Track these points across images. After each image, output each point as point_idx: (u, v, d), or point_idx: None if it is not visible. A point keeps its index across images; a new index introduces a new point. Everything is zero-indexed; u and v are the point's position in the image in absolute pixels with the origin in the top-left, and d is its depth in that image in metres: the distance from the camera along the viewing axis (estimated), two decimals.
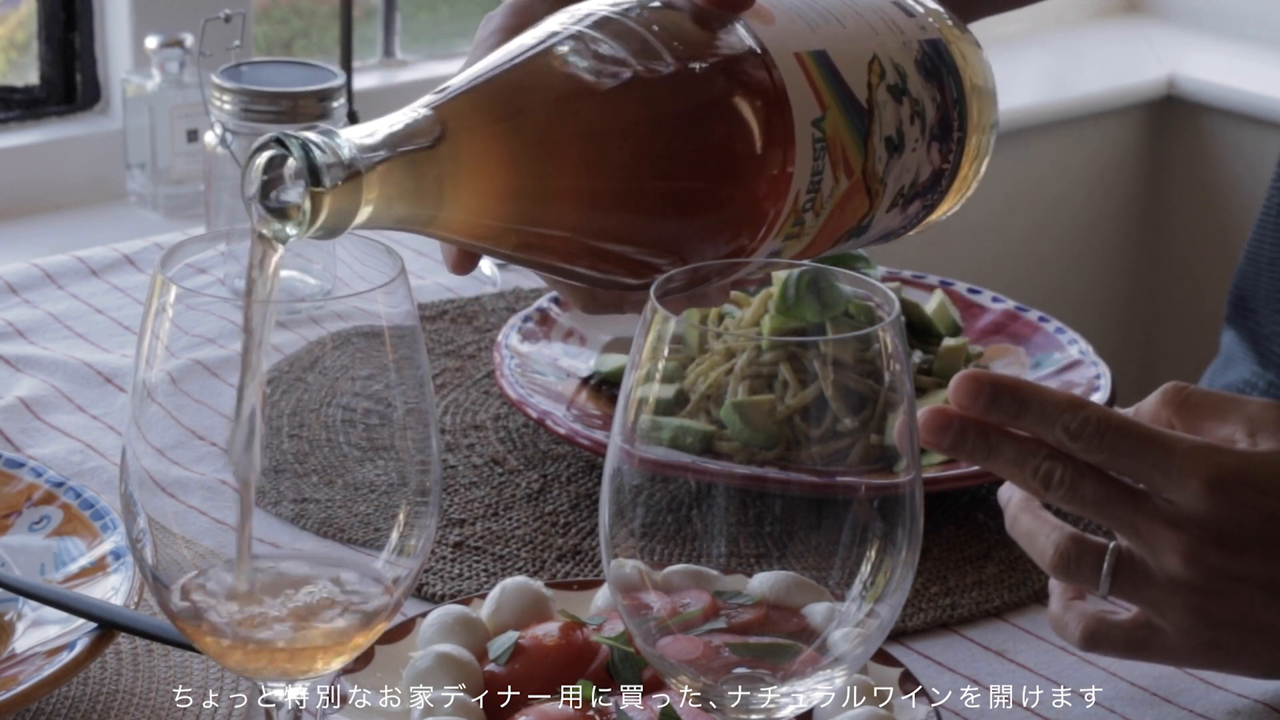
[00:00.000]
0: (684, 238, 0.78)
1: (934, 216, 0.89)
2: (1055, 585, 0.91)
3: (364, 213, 0.71)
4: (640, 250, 0.78)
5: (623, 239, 0.78)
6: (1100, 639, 0.89)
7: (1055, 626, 0.90)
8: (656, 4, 0.79)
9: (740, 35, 0.79)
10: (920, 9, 0.88)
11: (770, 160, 0.78)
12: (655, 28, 0.78)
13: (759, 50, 0.79)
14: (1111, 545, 0.87)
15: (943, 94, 0.86)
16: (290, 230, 0.70)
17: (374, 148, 0.71)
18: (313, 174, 0.69)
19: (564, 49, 0.77)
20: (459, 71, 0.78)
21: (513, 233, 0.77)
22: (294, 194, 0.70)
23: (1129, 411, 0.90)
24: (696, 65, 0.77)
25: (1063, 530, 0.87)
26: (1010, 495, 0.90)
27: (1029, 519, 0.89)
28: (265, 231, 0.70)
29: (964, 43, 0.88)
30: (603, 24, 0.78)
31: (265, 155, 0.70)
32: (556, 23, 0.78)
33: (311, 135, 0.70)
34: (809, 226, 0.80)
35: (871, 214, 0.83)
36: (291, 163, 0.70)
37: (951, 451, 0.84)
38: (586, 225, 0.77)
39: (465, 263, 0.83)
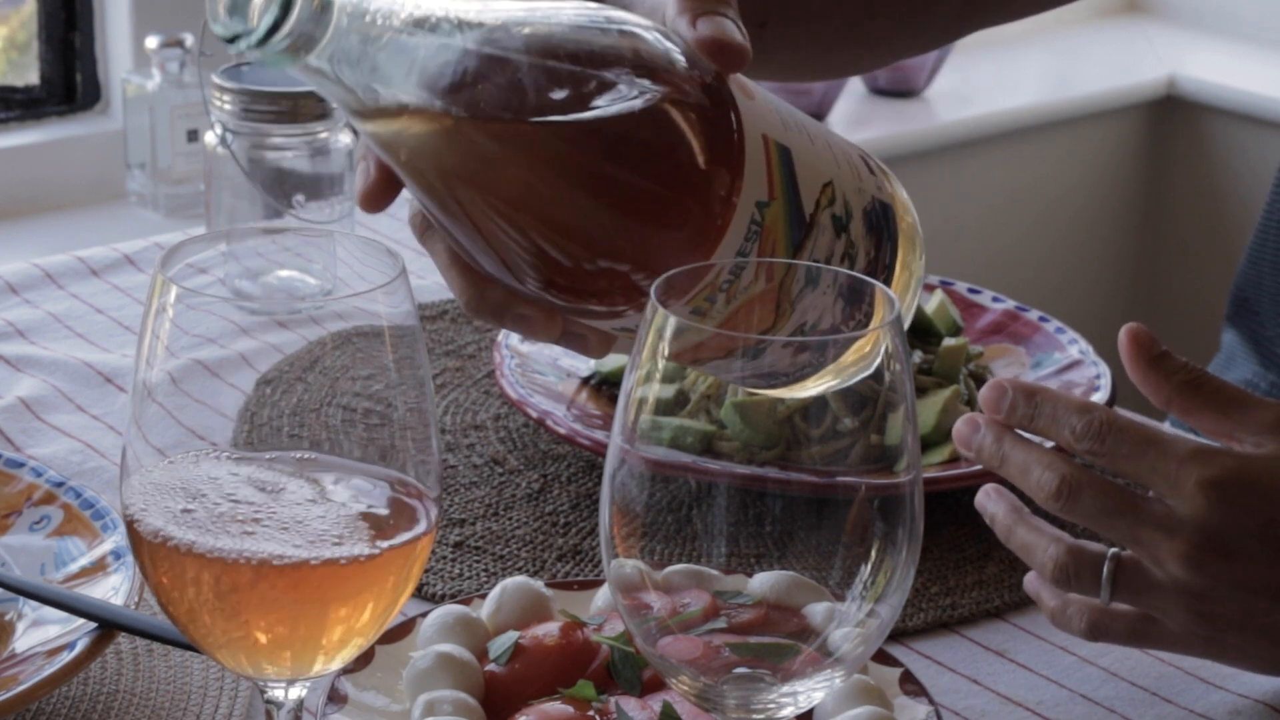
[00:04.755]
0: (598, 266, 0.75)
1: (799, 391, 0.76)
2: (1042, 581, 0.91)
3: (326, 42, 0.69)
4: (547, 267, 0.76)
5: (538, 251, 0.75)
6: (1104, 629, 0.89)
7: (1056, 620, 0.90)
8: (650, 34, 0.76)
9: (722, 92, 0.76)
10: (878, 172, 0.85)
11: (707, 216, 0.75)
12: (637, 57, 0.75)
13: (734, 113, 0.76)
14: (1110, 552, 0.87)
15: (877, 253, 0.82)
16: (249, 32, 0.68)
17: None
18: None
19: (535, 66, 0.74)
20: None
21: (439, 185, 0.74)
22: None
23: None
24: (668, 104, 0.74)
25: (1059, 543, 0.87)
26: (993, 507, 0.90)
27: (1024, 531, 0.89)
28: (220, 30, 0.68)
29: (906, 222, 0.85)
30: (579, 39, 0.75)
31: None
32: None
33: None
34: (715, 310, 0.75)
35: (771, 333, 0.76)
36: None
37: (975, 457, 0.88)
38: (518, 217, 0.74)
39: (379, 198, 0.79)
